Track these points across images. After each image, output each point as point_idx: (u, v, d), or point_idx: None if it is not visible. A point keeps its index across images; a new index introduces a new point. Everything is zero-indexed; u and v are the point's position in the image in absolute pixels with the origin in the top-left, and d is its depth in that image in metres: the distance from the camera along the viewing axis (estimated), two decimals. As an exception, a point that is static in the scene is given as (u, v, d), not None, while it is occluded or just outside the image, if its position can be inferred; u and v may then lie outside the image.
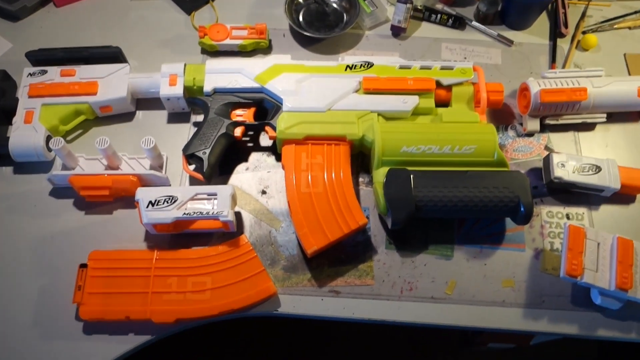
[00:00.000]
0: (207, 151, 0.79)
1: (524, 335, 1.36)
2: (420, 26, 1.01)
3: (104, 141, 0.76)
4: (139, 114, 0.90)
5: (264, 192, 0.84)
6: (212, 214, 0.74)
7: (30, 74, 0.86)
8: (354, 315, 0.76)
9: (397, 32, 0.98)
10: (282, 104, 0.82)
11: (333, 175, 0.78)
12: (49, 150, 0.82)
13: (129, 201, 0.80)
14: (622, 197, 0.84)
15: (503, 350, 1.54)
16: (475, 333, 1.48)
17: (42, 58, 0.88)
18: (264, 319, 0.78)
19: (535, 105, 0.86)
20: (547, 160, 0.83)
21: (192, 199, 0.75)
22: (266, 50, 0.96)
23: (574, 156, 0.83)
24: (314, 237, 0.74)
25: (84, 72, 0.86)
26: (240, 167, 0.86)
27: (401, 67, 0.86)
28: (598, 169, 0.82)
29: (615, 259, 0.74)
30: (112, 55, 0.89)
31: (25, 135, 0.81)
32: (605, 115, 0.89)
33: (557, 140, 0.89)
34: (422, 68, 0.86)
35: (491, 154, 0.79)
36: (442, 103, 0.86)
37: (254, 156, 0.87)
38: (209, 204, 0.76)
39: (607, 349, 1.56)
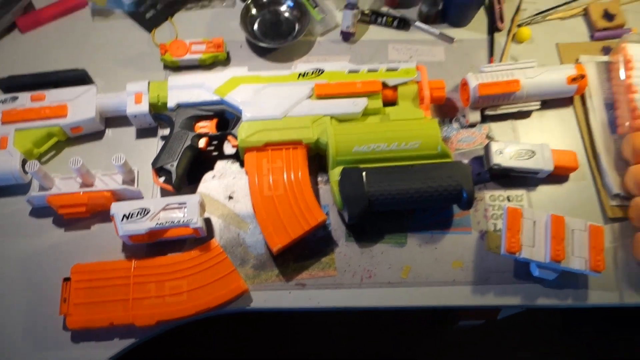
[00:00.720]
0: (175, 163, 0.86)
1: (490, 310, 1.47)
2: (368, 29, 1.07)
3: (77, 161, 0.82)
4: (109, 131, 0.95)
5: (230, 198, 0.90)
6: (183, 221, 0.80)
7: (1, 101, 0.90)
8: (320, 305, 0.83)
9: (347, 36, 1.05)
10: (241, 114, 0.89)
11: (292, 177, 0.85)
12: (26, 173, 0.88)
13: (105, 215, 0.85)
14: (556, 177, 0.92)
15: (473, 327, 1.63)
16: (445, 312, 1.58)
17: (12, 85, 0.93)
18: (242, 315, 0.85)
19: (474, 99, 0.93)
20: (486, 149, 0.91)
21: (163, 209, 0.81)
22: (225, 62, 1.02)
23: (511, 143, 0.90)
24: (278, 235, 0.81)
25: (53, 96, 0.91)
26: (208, 176, 0.92)
27: (350, 72, 0.93)
28: (533, 153, 0.89)
29: (549, 235, 0.82)
30: (79, 78, 0.94)
31: (1, 161, 0.86)
32: (539, 102, 0.96)
33: (497, 129, 0.97)
34: (369, 71, 0.93)
35: (435, 147, 0.86)
36: (390, 102, 0.93)
37: (220, 164, 0.93)
38: (180, 212, 0.82)
39: (571, 317, 1.66)
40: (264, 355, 1.59)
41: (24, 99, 0.91)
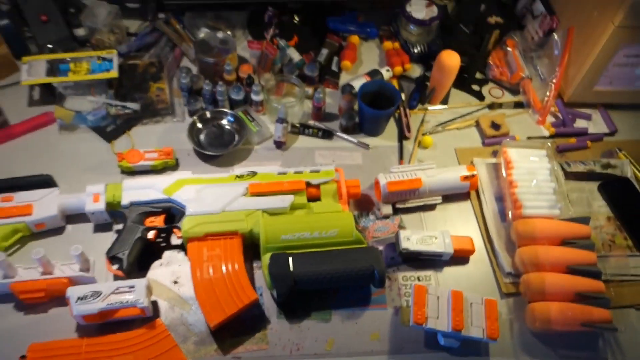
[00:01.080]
0: (126, 252, 0.98)
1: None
2: (297, 139, 1.26)
3: (39, 252, 0.94)
4: (69, 227, 1.08)
5: (175, 282, 1.03)
6: (131, 302, 0.92)
7: (-27, 203, 1.04)
8: (253, 375, 0.94)
9: (279, 145, 1.23)
10: (185, 210, 1.03)
11: (229, 262, 0.99)
12: (-9, 264, 0.99)
13: (62, 300, 0.95)
14: (458, 259, 1.08)
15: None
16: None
17: (-17, 189, 1.07)
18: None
19: (384, 194, 1.11)
20: (397, 236, 1.07)
21: (114, 292, 0.93)
22: (174, 167, 1.18)
23: (417, 231, 1.07)
24: (215, 313, 0.93)
25: (20, 197, 1.04)
26: (156, 264, 1.05)
27: (279, 173, 1.10)
28: (435, 239, 1.06)
29: (450, 307, 0.96)
30: (44, 182, 1.08)
31: (-30, 254, 0.98)
32: (440, 197, 1.15)
33: (408, 220, 1.14)
34: (295, 172, 1.10)
35: (350, 234, 1.02)
36: (314, 198, 1.09)
37: (167, 254, 1.06)
38: (129, 295, 0.93)
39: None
40: None
41: (-5, 201, 1.04)
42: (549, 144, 1.19)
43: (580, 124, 1.34)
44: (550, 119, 1.34)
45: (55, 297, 0.97)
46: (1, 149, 1.19)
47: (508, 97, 1.39)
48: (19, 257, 1.03)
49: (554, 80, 1.32)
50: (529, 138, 1.29)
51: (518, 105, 1.36)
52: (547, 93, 1.32)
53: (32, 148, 1.20)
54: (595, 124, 1.34)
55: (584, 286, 1.00)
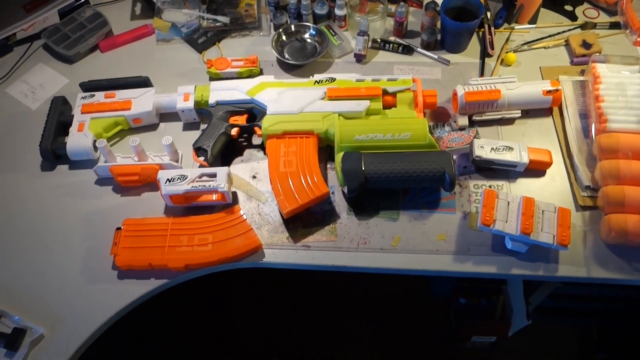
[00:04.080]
0: (211, 144, 1.06)
1: (501, 326, 1.56)
2: (377, 54, 1.28)
3: (135, 140, 1.04)
4: (162, 125, 1.18)
5: (254, 177, 1.09)
6: (213, 186, 1.00)
7: (82, 97, 1.15)
8: (320, 263, 0.98)
9: (359, 58, 1.26)
10: (266, 110, 1.09)
11: (304, 158, 1.04)
12: (96, 150, 1.10)
13: (153, 186, 1.06)
14: (534, 172, 1.06)
15: (486, 344, 1.71)
16: (458, 327, 1.67)
17: (90, 86, 1.18)
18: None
19: (461, 105, 1.10)
20: (471, 144, 1.07)
21: (198, 176, 1.01)
22: (258, 75, 1.24)
23: (492, 140, 1.06)
24: (288, 201, 0.99)
25: (121, 94, 1.15)
26: (237, 160, 1.12)
27: (357, 80, 1.13)
28: (511, 149, 1.05)
29: (520, 212, 0.96)
30: (142, 82, 1.18)
31: (78, 140, 1.09)
32: (519, 111, 1.12)
33: (484, 132, 1.13)
34: (373, 80, 1.12)
35: (423, 138, 1.03)
36: (390, 106, 1.11)
37: (248, 151, 1.13)
38: (212, 181, 1.01)
39: (588, 339, 1.70)
40: None
41: (100, 96, 1.15)
42: (644, 61, 1.12)
43: (684, 46, 1.25)
44: (649, 40, 1.26)
45: (147, 183, 1.08)
46: (107, 55, 1.32)
47: (604, 18, 1.32)
48: (117, 149, 1.15)
49: (656, -1, 1.23)
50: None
51: (614, 26, 1.29)
52: (648, 12, 1.24)
53: (133, 55, 1.31)
54: (703, 46, 1.24)
55: (668, 201, 0.95)
